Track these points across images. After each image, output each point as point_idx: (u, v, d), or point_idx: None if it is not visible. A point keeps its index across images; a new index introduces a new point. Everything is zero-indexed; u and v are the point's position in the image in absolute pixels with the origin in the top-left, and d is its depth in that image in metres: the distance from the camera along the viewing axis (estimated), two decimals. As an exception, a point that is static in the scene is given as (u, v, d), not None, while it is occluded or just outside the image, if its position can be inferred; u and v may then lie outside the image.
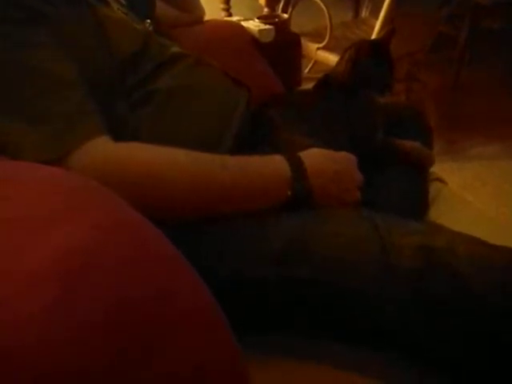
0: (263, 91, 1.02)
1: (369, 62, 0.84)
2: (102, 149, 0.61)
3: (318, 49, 1.92)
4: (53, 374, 0.27)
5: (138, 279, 0.34)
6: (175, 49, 0.81)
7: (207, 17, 1.22)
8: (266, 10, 1.62)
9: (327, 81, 0.92)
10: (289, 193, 0.64)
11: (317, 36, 1.97)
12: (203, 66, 0.83)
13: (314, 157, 0.69)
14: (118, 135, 0.64)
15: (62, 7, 0.66)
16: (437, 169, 0.99)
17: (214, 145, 0.74)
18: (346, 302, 0.58)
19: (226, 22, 1.26)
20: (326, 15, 1.83)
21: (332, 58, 1.84)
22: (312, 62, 2.12)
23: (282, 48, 1.21)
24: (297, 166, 0.66)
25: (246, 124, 0.81)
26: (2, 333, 0.27)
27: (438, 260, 0.56)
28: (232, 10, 1.59)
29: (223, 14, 1.53)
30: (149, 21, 0.91)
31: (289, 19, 1.30)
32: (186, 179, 0.63)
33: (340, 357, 0.57)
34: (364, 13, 2.31)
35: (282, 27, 1.24)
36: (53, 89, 0.61)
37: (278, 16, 1.31)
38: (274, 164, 0.67)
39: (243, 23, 1.22)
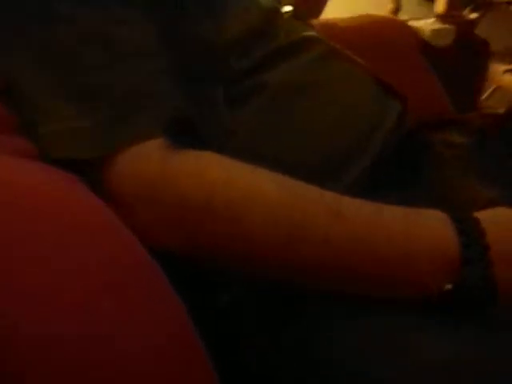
0: (423, 109, 0.73)
1: None
2: (157, 156, 0.40)
3: (506, 71, 1.52)
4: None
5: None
6: (308, 33, 0.58)
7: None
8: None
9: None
10: (449, 286, 0.35)
11: (507, 56, 1.57)
12: (340, 61, 0.58)
13: (505, 223, 0.38)
14: (204, 134, 0.44)
15: None
16: None
17: (334, 172, 0.49)
18: None
19: (388, 18, 0.99)
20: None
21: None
22: (493, 87, 1.70)
23: (463, 55, 0.89)
24: (472, 237, 0.36)
25: (392, 149, 0.53)
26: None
27: None
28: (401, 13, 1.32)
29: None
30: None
31: (475, 21, 0.98)
32: (271, 220, 0.39)
33: None
34: None
35: (464, 29, 0.92)
36: (115, 60, 0.43)
37: (460, 16, 1.00)
38: (429, 225, 0.38)
39: (413, 22, 0.95)
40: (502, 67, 1.53)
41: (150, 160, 0.40)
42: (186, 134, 0.43)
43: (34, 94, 0.43)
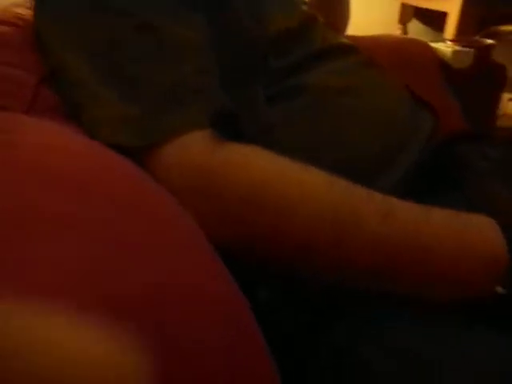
0: (446, 124, 0.74)
1: None
2: (205, 146, 0.40)
3: (510, 100, 1.55)
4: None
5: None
6: (343, 40, 0.59)
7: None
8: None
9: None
10: (499, 289, 0.35)
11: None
12: (376, 70, 0.59)
13: None
14: (245, 129, 0.44)
15: None
16: None
17: (372, 176, 0.49)
18: None
19: (409, 38, 1.01)
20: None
21: (529, 113, 1.48)
22: (501, 113, 1.73)
23: (480, 78, 0.91)
24: None
25: (427, 159, 0.54)
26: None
27: None
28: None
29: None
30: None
31: (492, 46, 1.00)
32: (323, 216, 0.38)
33: None
34: None
35: (483, 53, 0.94)
36: (164, 52, 0.43)
37: (477, 41, 1.02)
38: (479, 229, 0.38)
39: (431, 44, 0.96)
40: (507, 95, 1.56)
41: (197, 150, 0.40)
42: (229, 128, 0.43)
43: (83, 80, 0.43)
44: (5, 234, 0.21)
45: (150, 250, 0.26)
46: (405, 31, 1.91)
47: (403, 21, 1.92)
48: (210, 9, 0.49)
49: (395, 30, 1.87)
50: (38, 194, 0.24)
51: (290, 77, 0.51)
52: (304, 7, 0.64)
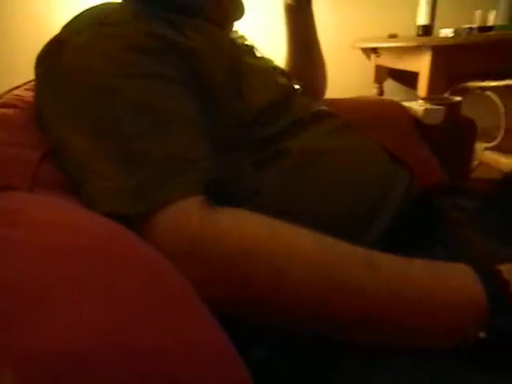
0: (424, 178, 0.79)
1: None
2: (197, 211, 0.43)
3: (486, 149, 1.64)
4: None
5: None
6: (322, 107, 0.64)
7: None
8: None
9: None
10: (481, 334, 0.37)
11: (484, 135, 1.70)
12: (353, 133, 0.64)
13: None
14: (231, 195, 0.47)
15: (198, 40, 0.55)
16: None
17: (353, 232, 0.52)
18: None
19: (383, 99, 1.08)
20: (501, 112, 1.56)
21: (503, 161, 1.55)
22: (476, 163, 1.81)
23: (452, 133, 0.97)
24: (499, 288, 0.39)
25: (404, 212, 0.57)
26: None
27: None
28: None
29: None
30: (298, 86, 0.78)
31: (460, 102, 1.07)
32: (312, 274, 0.40)
33: None
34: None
35: (452, 110, 1.01)
36: (158, 127, 0.47)
37: (447, 98, 1.10)
38: (457, 277, 0.41)
39: (404, 103, 1.03)
40: (482, 145, 1.65)
41: (191, 216, 0.42)
42: (218, 194, 0.46)
43: (80, 155, 0.46)
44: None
45: (145, 311, 0.28)
46: (381, 90, 2.02)
47: (379, 80, 2.05)
48: (198, 86, 0.54)
49: (371, 90, 1.99)
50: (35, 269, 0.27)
51: (274, 143, 0.55)
52: (284, 79, 0.69)
